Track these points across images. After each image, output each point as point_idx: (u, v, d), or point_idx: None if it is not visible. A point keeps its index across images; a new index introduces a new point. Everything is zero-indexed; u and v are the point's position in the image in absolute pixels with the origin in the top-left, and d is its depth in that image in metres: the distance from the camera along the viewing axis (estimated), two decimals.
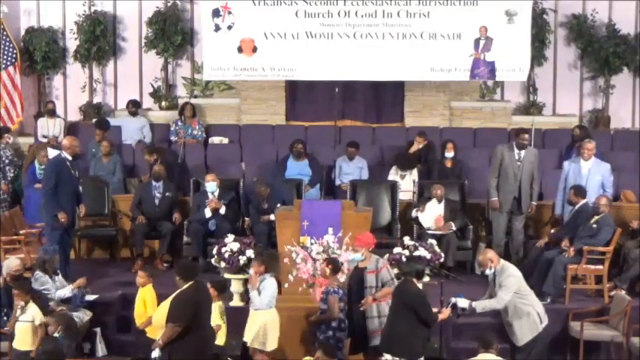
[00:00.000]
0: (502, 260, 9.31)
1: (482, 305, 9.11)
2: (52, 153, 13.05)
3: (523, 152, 11.65)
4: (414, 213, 11.98)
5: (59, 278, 10.06)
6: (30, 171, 13.03)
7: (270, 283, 9.09)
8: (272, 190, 11.88)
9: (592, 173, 11.56)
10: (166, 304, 8.11)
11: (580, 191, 11.15)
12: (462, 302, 9.07)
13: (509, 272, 9.09)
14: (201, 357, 7.99)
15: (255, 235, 11.39)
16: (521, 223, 11.71)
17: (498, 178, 11.66)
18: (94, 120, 14.72)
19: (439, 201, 11.89)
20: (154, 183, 12.30)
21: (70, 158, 10.91)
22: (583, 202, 11.09)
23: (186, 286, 8.00)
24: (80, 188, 11.28)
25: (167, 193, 12.24)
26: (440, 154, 13.36)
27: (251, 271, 9.38)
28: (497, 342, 8.18)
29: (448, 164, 13.17)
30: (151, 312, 9.20)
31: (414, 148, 13.51)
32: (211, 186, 12.04)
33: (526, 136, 11.72)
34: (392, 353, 8.38)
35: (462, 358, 9.97)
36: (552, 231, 11.49)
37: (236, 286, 10.33)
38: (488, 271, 9.18)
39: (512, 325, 9.12)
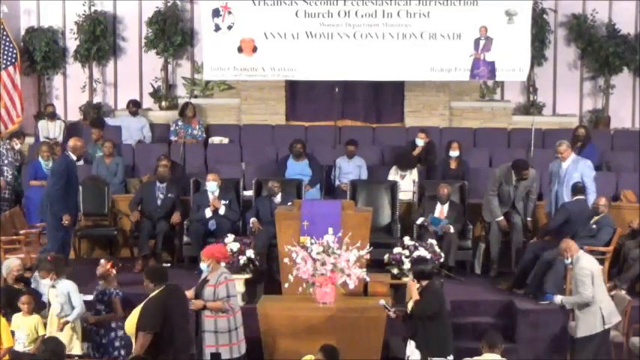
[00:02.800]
0: (580, 251, 9.36)
1: (569, 301, 9.13)
2: None
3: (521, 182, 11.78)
4: (419, 221, 11.93)
5: None
6: (32, 168, 13.06)
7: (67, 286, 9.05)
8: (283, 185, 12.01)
9: (569, 172, 11.62)
10: (137, 312, 8.02)
11: (574, 188, 11.27)
12: (556, 299, 9.26)
13: (580, 264, 9.14)
14: None
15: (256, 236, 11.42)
16: (519, 219, 11.75)
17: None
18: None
19: (444, 201, 11.86)
20: (157, 184, 12.28)
21: (75, 159, 10.91)
22: (576, 198, 11.18)
23: (156, 291, 7.95)
24: (81, 190, 11.30)
25: (169, 195, 12.24)
26: (444, 153, 13.33)
27: (46, 281, 9.38)
28: (502, 342, 8.19)
29: (453, 165, 13.11)
30: (7, 342, 8.77)
31: (418, 151, 13.47)
32: (212, 185, 12.04)
33: (526, 172, 11.69)
34: (438, 356, 8.44)
35: (462, 358, 9.98)
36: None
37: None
38: (566, 261, 9.22)
39: (575, 315, 9.11)
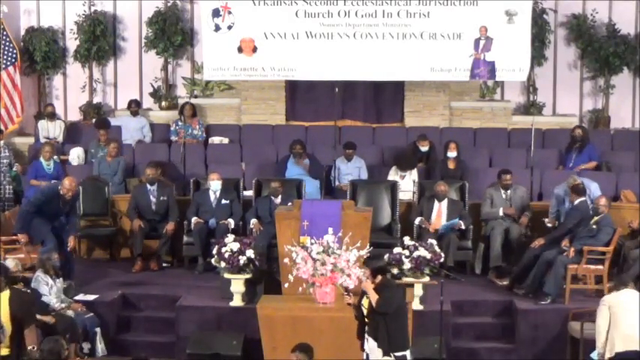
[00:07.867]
0: None
1: None
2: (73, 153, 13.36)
3: (510, 191, 11.99)
4: (417, 221, 11.95)
5: (59, 281, 10.05)
6: (33, 168, 13.06)
7: None
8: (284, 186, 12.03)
9: None
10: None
11: (577, 189, 11.18)
12: None
13: None
14: None
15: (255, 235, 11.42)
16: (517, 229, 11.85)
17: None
18: (93, 120, 14.74)
19: (441, 199, 11.89)
20: (148, 186, 12.26)
21: (62, 194, 10.81)
22: (580, 199, 11.11)
23: (8, 290, 8.48)
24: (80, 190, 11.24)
25: (162, 197, 12.18)
26: (442, 154, 13.34)
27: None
28: (632, 282, 8.41)
29: (451, 165, 13.13)
30: None
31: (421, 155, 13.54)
32: (216, 185, 12.07)
33: (508, 176, 11.96)
34: (400, 350, 8.34)
35: (462, 358, 10.00)
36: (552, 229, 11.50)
37: (236, 286, 10.34)
38: None
39: None
